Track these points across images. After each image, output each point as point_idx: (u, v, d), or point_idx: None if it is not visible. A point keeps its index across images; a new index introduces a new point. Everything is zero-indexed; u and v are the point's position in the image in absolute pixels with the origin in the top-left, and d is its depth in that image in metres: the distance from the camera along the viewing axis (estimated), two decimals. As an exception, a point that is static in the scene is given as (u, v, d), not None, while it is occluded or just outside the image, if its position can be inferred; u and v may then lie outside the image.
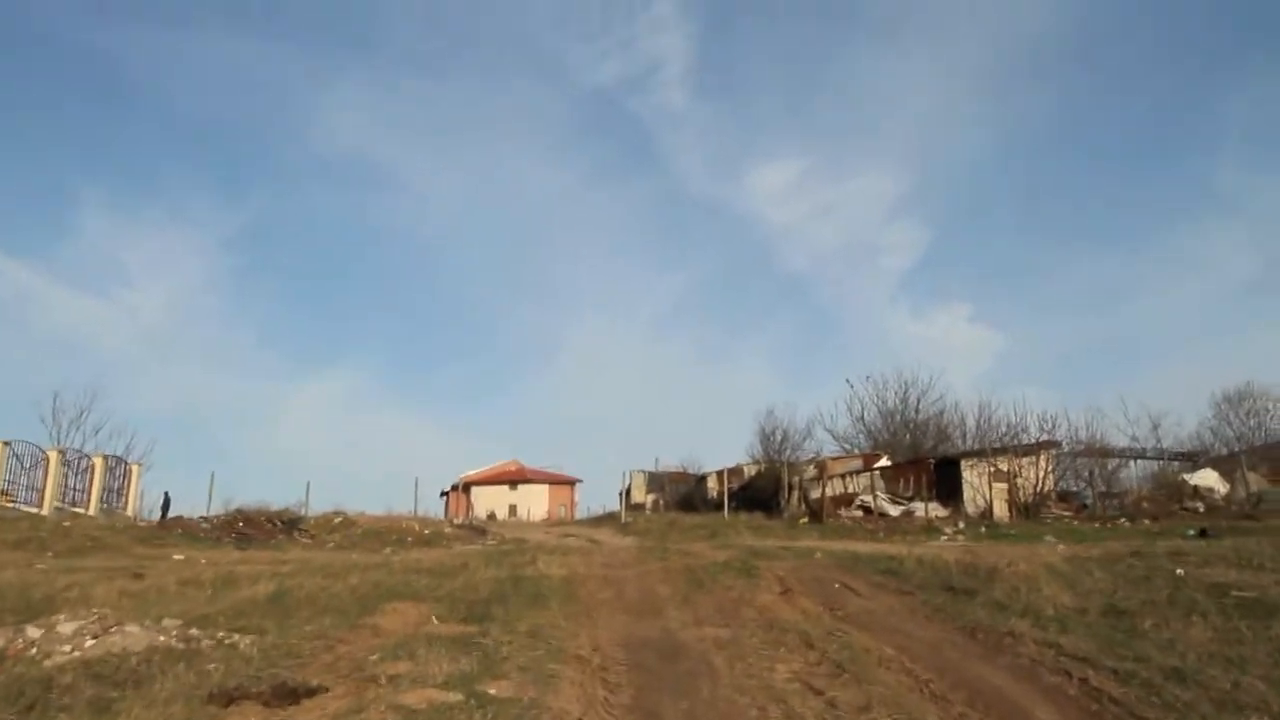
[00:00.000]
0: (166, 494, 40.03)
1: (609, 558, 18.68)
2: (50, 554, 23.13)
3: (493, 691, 6.90)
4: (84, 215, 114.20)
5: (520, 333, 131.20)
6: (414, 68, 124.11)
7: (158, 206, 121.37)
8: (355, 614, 10.71)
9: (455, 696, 6.68)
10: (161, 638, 8.85)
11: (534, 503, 62.94)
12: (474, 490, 65.93)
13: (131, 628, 9.02)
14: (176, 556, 23.55)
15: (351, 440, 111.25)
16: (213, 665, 7.85)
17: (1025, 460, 36.02)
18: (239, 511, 35.10)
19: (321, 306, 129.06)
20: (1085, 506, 37.92)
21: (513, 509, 62.33)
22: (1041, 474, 36.20)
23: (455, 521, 34.67)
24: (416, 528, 31.69)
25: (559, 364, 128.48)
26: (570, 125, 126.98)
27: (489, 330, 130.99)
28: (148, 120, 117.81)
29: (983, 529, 31.28)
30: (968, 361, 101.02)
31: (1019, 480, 35.38)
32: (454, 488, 67.36)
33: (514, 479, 66.73)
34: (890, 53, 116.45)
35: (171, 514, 37.11)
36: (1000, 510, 34.47)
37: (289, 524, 32.44)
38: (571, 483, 67.40)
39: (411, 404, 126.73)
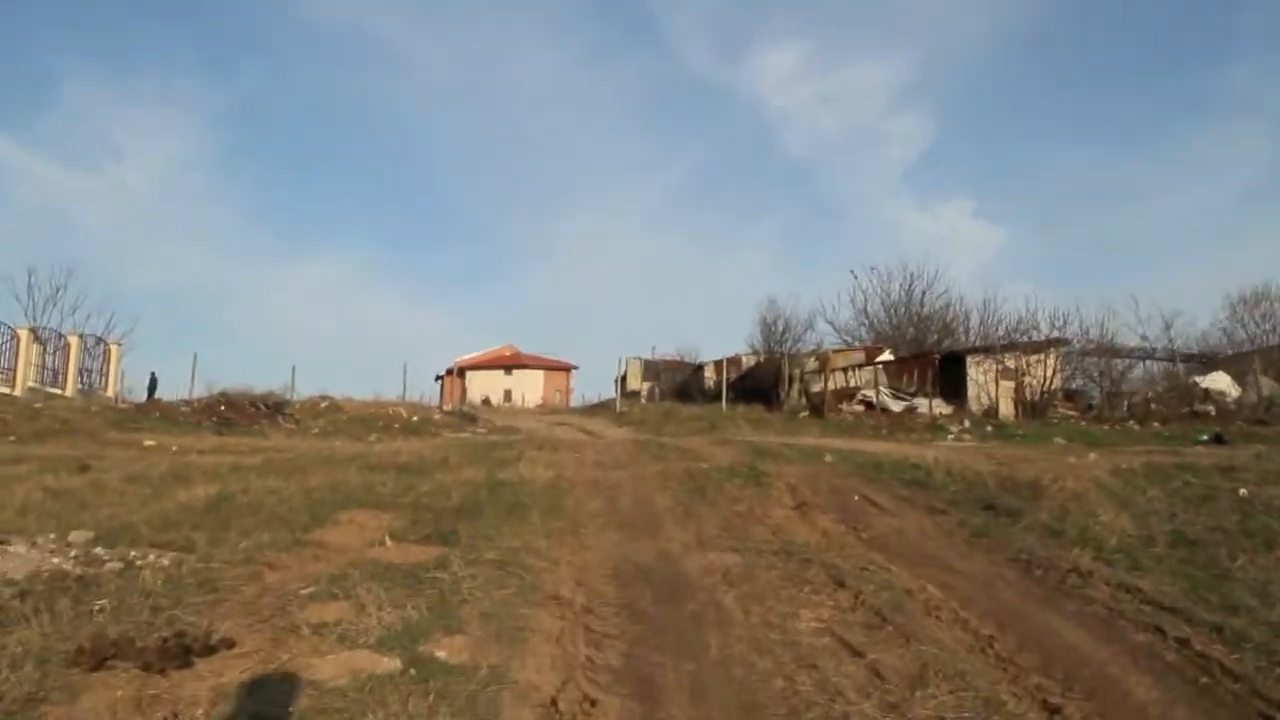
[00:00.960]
0: (153, 374, 38.54)
1: (601, 454, 17.11)
2: (12, 438, 21.60)
3: (441, 655, 5.24)
4: (69, 89, 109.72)
5: (517, 219, 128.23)
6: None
7: (147, 81, 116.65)
8: (303, 526, 9.06)
9: (391, 663, 5.01)
10: (55, 559, 7.18)
11: (529, 388, 61.59)
12: (469, 375, 64.53)
13: (18, 546, 7.35)
14: (148, 443, 22.00)
15: (344, 323, 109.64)
16: (103, 602, 6.19)
17: (1033, 358, 34.42)
18: (223, 395, 33.52)
19: (314, 187, 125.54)
20: (1091, 407, 36.46)
21: (508, 394, 61.06)
22: (1050, 372, 34.65)
23: (445, 408, 33.22)
24: (404, 414, 30.18)
25: (556, 251, 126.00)
26: (571, 1, 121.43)
27: (485, 216, 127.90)
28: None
29: (989, 428, 29.82)
30: (970, 257, 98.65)
31: (1026, 378, 33.84)
32: (449, 372, 65.91)
33: (509, 364, 65.25)
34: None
35: (157, 396, 35.67)
36: (1006, 409, 32.98)
37: (274, 408, 30.93)
38: (567, 369, 65.98)
39: (406, 289, 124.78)
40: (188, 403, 30.80)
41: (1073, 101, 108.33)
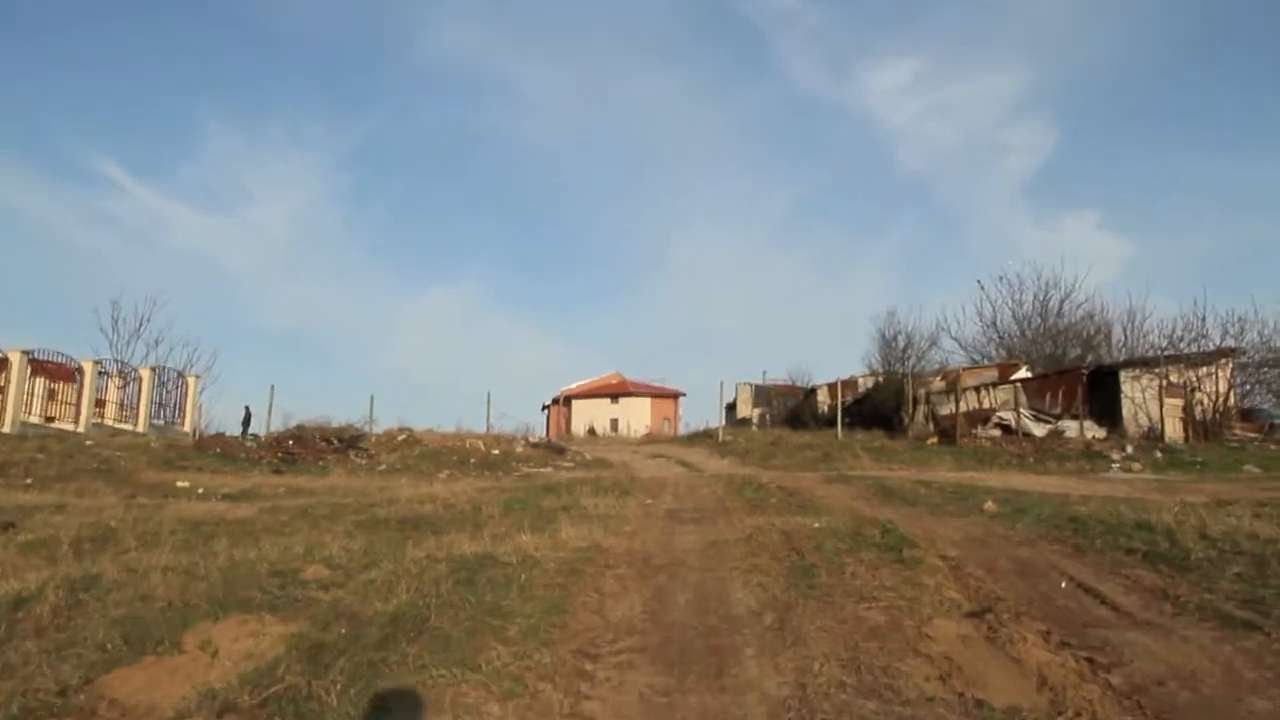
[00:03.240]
0: (247, 409, 35.55)
1: (681, 499, 12.75)
2: (28, 480, 18.59)
3: None
4: (206, 138, 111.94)
5: (629, 246, 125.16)
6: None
7: (276, 127, 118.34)
8: (137, 640, 5.06)
9: None
10: None
11: (635, 416, 57.46)
12: (574, 404, 60.89)
13: None
14: (180, 484, 18.70)
15: (457, 354, 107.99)
16: None
17: (1203, 370, 28.49)
18: (299, 428, 30.51)
19: (434, 223, 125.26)
20: (1274, 426, 30.26)
21: (614, 423, 57.08)
22: (1224, 387, 28.63)
23: (532, 440, 29.33)
24: (482, 448, 26.37)
25: (667, 277, 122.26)
26: (679, 28, 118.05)
27: (600, 245, 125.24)
28: (257, 42, 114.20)
29: (1157, 454, 24.20)
30: (1096, 272, 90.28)
31: (1197, 394, 27.94)
32: (555, 401, 62.48)
33: (615, 392, 61.29)
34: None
35: (251, 430, 32.85)
36: (1173, 431, 27.15)
37: (348, 442, 27.58)
38: (675, 396, 61.64)
39: (518, 318, 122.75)
40: (255, 438, 27.75)
41: (1197, 108, 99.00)
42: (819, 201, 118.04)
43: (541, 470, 23.58)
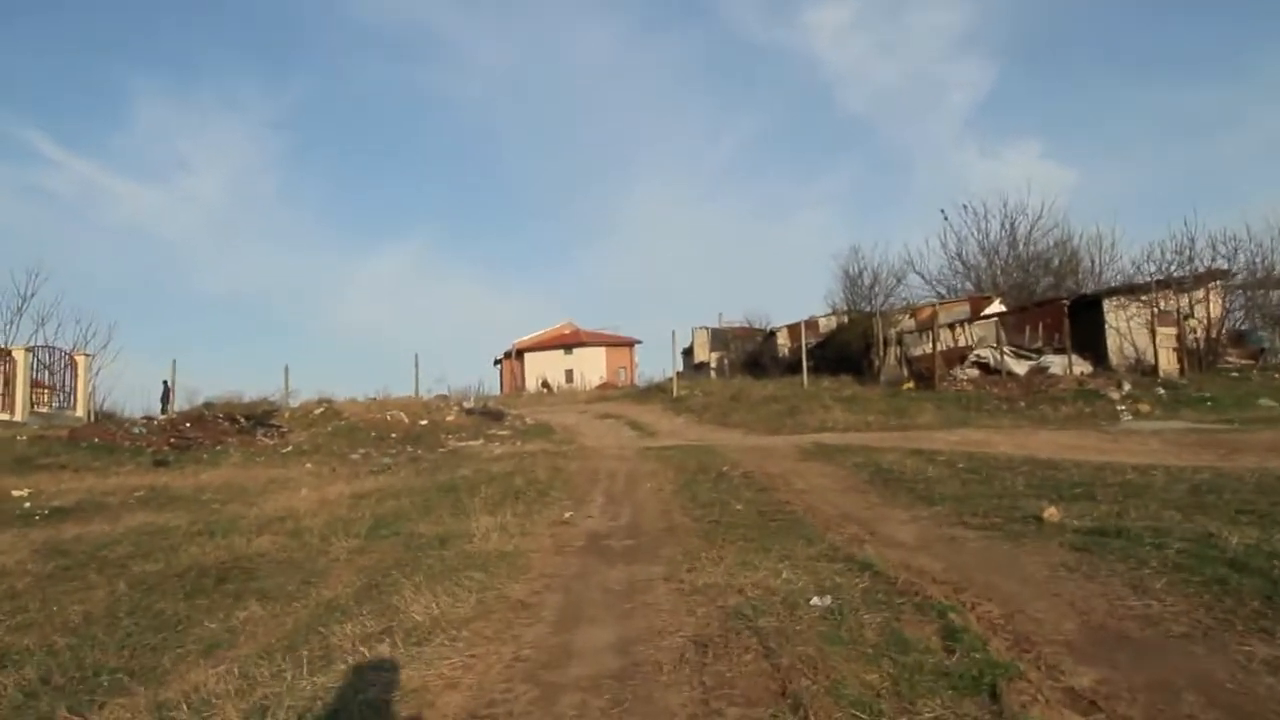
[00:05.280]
0: (166, 384, 31.39)
1: (614, 509, 9.22)
2: None
3: None
4: (136, 106, 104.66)
5: (578, 199, 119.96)
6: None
7: (206, 92, 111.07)
8: None
9: None
10: None
11: (590, 367, 53.72)
12: (527, 357, 56.97)
13: None
14: (16, 492, 14.83)
15: (404, 316, 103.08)
16: None
17: (1194, 295, 25.38)
18: (206, 406, 26.49)
19: (375, 181, 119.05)
20: (1263, 351, 27.37)
21: (569, 374, 53.31)
22: (1217, 312, 25.58)
23: (467, 405, 25.58)
24: (406, 420, 22.59)
25: (619, 228, 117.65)
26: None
27: (545, 199, 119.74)
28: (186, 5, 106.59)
29: (1160, 391, 21.09)
30: (1041, 200, 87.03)
31: (1190, 322, 24.85)
32: (507, 355, 58.56)
33: (568, 343, 57.41)
34: None
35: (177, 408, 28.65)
36: (1167, 362, 24.07)
37: (258, 420, 23.69)
38: (630, 344, 57.90)
39: (468, 275, 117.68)
40: (148, 420, 23.73)
41: (1132, 32, 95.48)
42: (765, 144, 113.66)
43: (471, 444, 19.94)
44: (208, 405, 26.08)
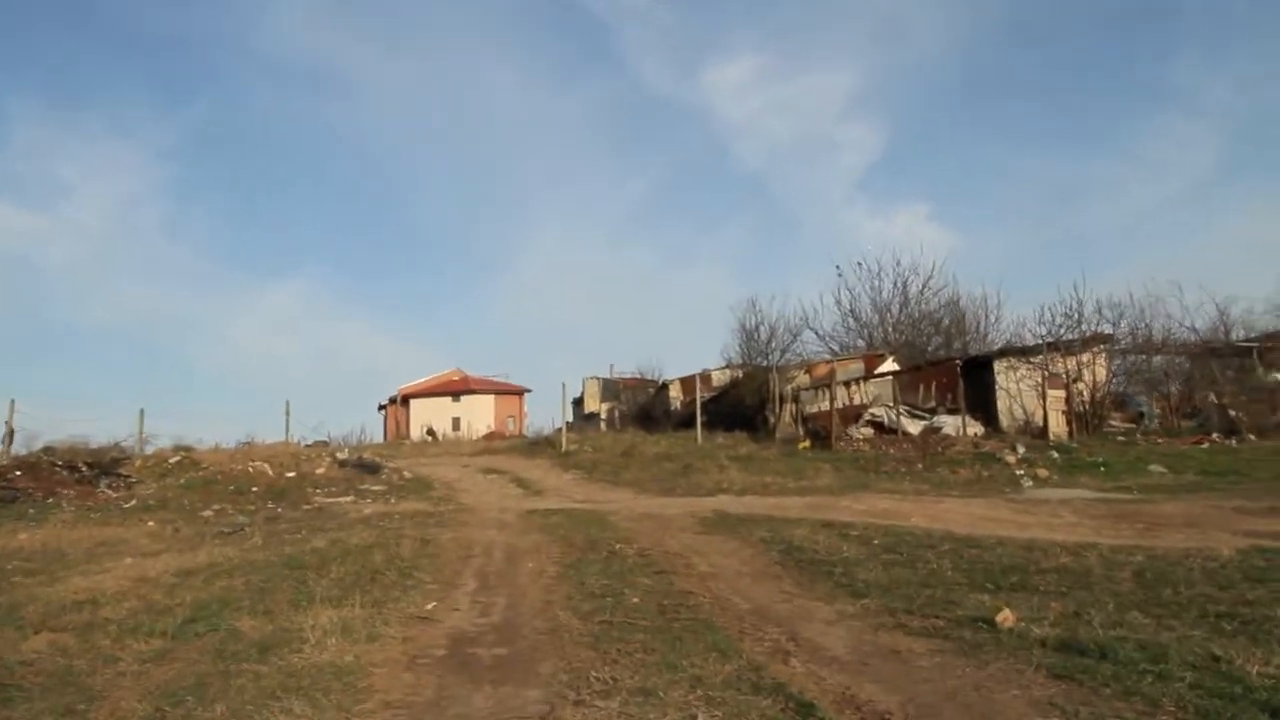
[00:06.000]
0: (7, 425, 28.14)
1: (486, 600, 7.77)
2: None
3: None
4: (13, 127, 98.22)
5: (474, 243, 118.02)
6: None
7: (95, 117, 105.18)
8: None
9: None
10: None
11: (478, 415, 51.65)
12: (413, 403, 54.55)
13: None
14: None
15: (286, 359, 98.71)
16: None
17: (1082, 358, 25.49)
18: (46, 451, 23.65)
19: (265, 218, 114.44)
20: (1142, 415, 27.72)
21: (455, 422, 51.10)
22: (1103, 375, 25.74)
23: (340, 456, 23.52)
24: (270, 472, 20.47)
25: (514, 275, 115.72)
26: (525, 23, 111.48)
27: (440, 243, 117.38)
28: (80, 27, 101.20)
29: (1053, 454, 20.78)
30: (932, 260, 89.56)
31: (1078, 385, 24.90)
32: (392, 400, 55.99)
33: (457, 390, 55.21)
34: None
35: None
36: (1056, 425, 23.99)
37: (102, 469, 21.13)
38: (520, 393, 56.14)
39: (356, 318, 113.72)
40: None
41: (1022, 104, 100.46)
42: (665, 196, 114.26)
43: (340, 501, 18.04)
44: (47, 450, 23.22)
